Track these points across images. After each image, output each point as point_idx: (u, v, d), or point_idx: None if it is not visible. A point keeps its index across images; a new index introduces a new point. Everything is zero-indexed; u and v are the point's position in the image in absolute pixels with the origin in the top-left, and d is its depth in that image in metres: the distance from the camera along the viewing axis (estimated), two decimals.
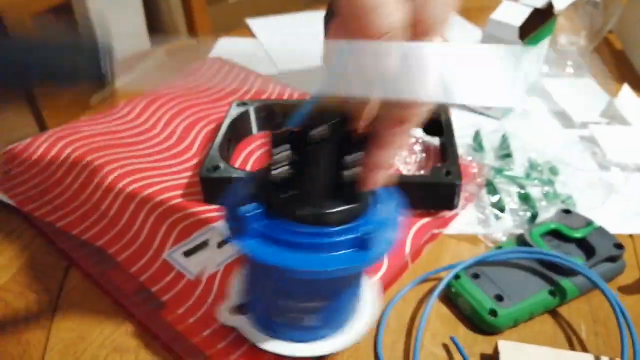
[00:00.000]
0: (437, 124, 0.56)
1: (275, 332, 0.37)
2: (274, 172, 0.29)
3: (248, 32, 0.88)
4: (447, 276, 0.42)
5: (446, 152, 0.50)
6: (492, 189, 0.52)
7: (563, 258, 0.41)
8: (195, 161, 0.56)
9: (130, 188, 0.51)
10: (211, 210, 0.49)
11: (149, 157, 0.56)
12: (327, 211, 0.30)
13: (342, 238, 0.30)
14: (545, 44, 0.68)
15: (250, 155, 0.57)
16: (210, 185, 0.49)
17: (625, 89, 0.68)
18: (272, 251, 0.30)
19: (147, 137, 0.60)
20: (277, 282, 0.34)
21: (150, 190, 0.51)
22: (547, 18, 0.64)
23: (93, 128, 0.60)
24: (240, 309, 0.38)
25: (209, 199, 0.50)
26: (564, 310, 0.42)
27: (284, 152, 0.29)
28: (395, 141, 0.29)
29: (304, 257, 0.30)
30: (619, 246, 0.44)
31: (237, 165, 0.55)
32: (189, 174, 0.54)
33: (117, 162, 0.55)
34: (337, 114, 0.28)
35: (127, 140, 0.59)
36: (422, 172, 0.54)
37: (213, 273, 0.43)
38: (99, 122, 0.62)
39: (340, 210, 0.30)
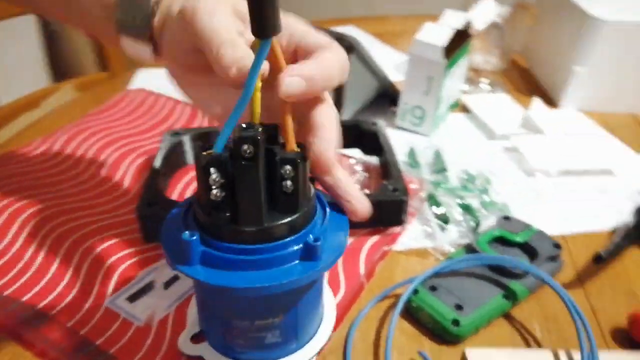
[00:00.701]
0: (375, 143, 0.57)
1: (238, 354, 0.35)
2: (208, 196, 0.28)
3: None
4: (406, 292, 0.42)
5: (389, 169, 0.51)
6: (434, 202, 0.53)
7: (513, 261, 0.43)
8: (128, 197, 0.52)
9: (57, 232, 0.46)
10: (152, 249, 0.46)
11: (75, 196, 0.52)
12: (268, 225, 0.29)
13: (287, 250, 0.29)
14: (465, 63, 0.72)
15: (188, 187, 0.54)
16: (149, 222, 0.46)
17: (536, 101, 0.74)
18: (218, 273, 0.29)
19: (71, 175, 0.55)
20: (230, 303, 0.32)
21: (80, 233, 0.47)
22: (465, 39, 0.68)
23: (5, 169, 0.55)
24: (200, 336, 0.36)
25: (148, 237, 0.46)
26: (516, 312, 0.43)
27: (213, 175, 0.28)
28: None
29: (251, 275, 0.29)
30: (558, 246, 0.47)
31: (174, 197, 0.52)
32: (123, 211, 0.50)
33: (38, 204, 0.50)
34: (260, 131, 0.28)
35: (49, 180, 0.54)
36: (366, 191, 0.54)
37: (163, 317, 0.39)
38: (12, 163, 0.56)
39: (282, 223, 0.29)
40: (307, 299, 0.34)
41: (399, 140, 0.65)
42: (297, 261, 0.30)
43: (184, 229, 0.29)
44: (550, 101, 0.79)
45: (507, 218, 0.50)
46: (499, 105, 0.76)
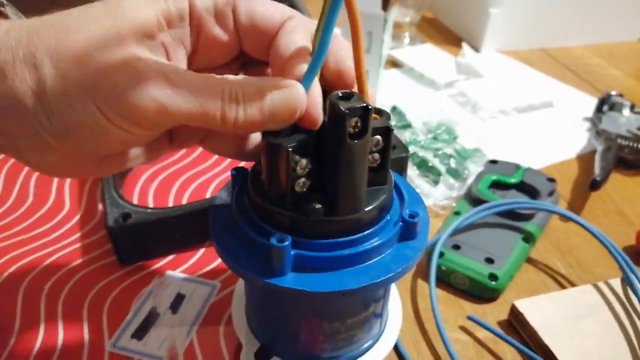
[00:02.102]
0: None
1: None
2: (292, 188, 0.23)
3: None
4: (433, 257, 0.39)
5: None
6: (418, 159, 0.51)
7: (529, 203, 0.42)
8: (77, 217, 0.43)
9: (5, 277, 0.36)
10: (134, 272, 0.38)
11: (6, 230, 0.41)
12: (367, 210, 0.24)
13: (388, 234, 0.25)
14: (392, 17, 0.69)
15: (147, 191, 0.46)
16: (124, 239, 0.37)
17: (466, 47, 0.75)
18: (317, 278, 0.24)
19: None
20: (322, 308, 0.27)
21: (34, 273, 0.37)
22: None
23: None
24: (264, 351, 0.30)
25: (125, 258, 0.38)
26: (534, 254, 0.43)
27: (302, 162, 0.23)
28: None
29: (356, 271, 0.24)
30: (551, 180, 0.47)
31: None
32: (77, 235, 0.41)
33: None
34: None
35: None
36: None
37: (187, 348, 0.32)
38: None
39: (378, 205, 0.25)
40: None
41: None
42: (395, 244, 0.25)
43: (253, 232, 0.24)
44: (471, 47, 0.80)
45: (494, 162, 0.50)
46: (428, 56, 0.75)
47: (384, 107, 0.59)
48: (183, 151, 0.51)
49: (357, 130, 0.22)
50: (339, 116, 0.21)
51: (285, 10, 0.25)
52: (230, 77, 0.22)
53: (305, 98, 0.22)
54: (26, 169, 0.47)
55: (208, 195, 0.46)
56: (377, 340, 0.31)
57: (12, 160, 0.48)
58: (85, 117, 0.20)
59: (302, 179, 0.23)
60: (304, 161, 0.23)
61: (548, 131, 0.60)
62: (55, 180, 0.46)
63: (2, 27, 0.21)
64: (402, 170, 0.45)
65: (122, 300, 0.35)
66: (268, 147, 0.23)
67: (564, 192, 0.50)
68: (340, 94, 0.22)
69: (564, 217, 0.42)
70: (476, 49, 0.79)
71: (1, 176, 0.46)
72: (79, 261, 0.38)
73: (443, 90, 0.68)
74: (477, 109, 0.63)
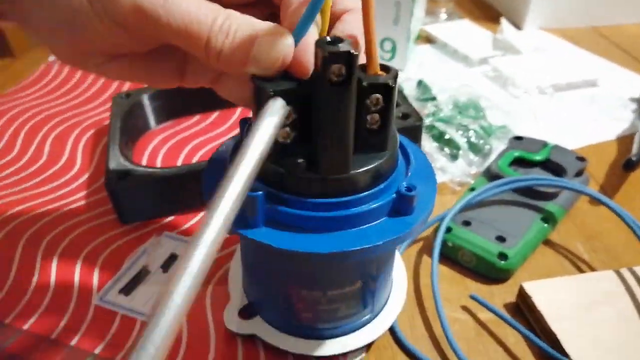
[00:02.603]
0: None
1: (303, 330, 0.29)
2: (278, 139, 0.22)
3: None
4: (439, 232, 0.37)
5: None
6: (437, 132, 0.48)
7: (551, 180, 0.39)
8: (85, 177, 0.43)
9: (5, 230, 0.37)
10: (133, 230, 0.38)
11: (17, 185, 0.42)
12: (354, 172, 0.23)
13: (377, 203, 0.23)
14: None
15: (156, 155, 0.46)
16: (123, 197, 0.37)
17: (505, 23, 0.70)
18: (290, 236, 0.23)
19: (5, 161, 0.45)
20: (300, 272, 0.26)
21: (36, 227, 0.38)
22: None
23: None
24: (249, 309, 0.29)
25: (125, 217, 0.38)
26: (554, 237, 0.40)
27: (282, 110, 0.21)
28: None
29: (333, 236, 0.23)
30: (582, 159, 0.43)
31: None
32: (82, 194, 0.41)
33: None
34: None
35: None
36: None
37: None
38: None
39: (369, 169, 0.23)
40: (388, 260, 0.28)
41: None
42: (384, 217, 0.24)
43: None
44: (511, 24, 0.75)
45: (519, 138, 0.47)
46: (464, 32, 0.72)
47: (411, 81, 0.57)
48: (197, 117, 0.51)
49: (340, 77, 0.20)
50: (321, 60, 0.20)
51: None
52: (234, 12, 0.21)
53: (291, 48, 0.21)
54: (43, 131, 0.48)
55: None
56: (368, 322, 0.29)
57: (32, 122, 0.49)
58: (78, 5, 0.21)
59: (286, 129, 0.22)
60: (284, 110, 0.21)
61: (587, 111, 0.56)
62: (70, 141, 0.47)
63: None
64: (416, 140, 0.43)
65: (116, 257, 0.35)
66: (253, 90, 0.22)
67: (597, 174, 0.46)
68: (329, 39, 0.20)
69: (592, 198, 0.38)
70: (518, 25, 0.75)
71: (21, 136, 0.48)
72: (81, 217, 0.39)
73: (477, 67, 0.64)
74: (510, 86, 0.59)
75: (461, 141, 0.47)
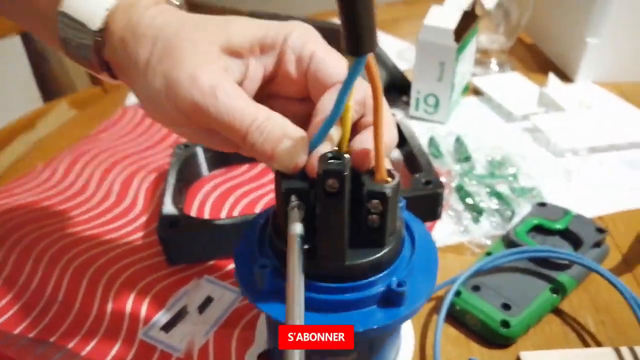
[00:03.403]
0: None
1: None
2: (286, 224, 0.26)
3: None
4: (448, 295, 0.40)
5: (416, 161, 0.49)
6: (464, 193, 0.51)
7: (559, 253, 0.41)
8: (144, 218, 0.50)
9: (75, 265, 0.44)
10: (179, 271, 0.44)
11: (87, 223, 0.50)
12: (349, 264, 0.26)
13: (367, 293, 0.27)
14: (473, 45, 0.69)
15: (206, 201, 0.52)
16: (172, 243, 0.43)
17: (552, 77, 0.71)
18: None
19: (80, 201, 0.53)
20: None
21: (99, 263, 0.44)
22: (473, 19, 0.65)
23: (7, 202, 0.52)
24: (266, 355, 0.34)
25: (173, 259, 0.44)
26: (565, 306, 0.41)
27: (293, 203, 0.26)
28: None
29: (326, 316, 0.27)
30: (601, 230, 0.44)
31: (192, 213, 0.50)
32: (140, 234, 0.48)
33: (49, 236, 0.47)
34: (348, 163, 0.24)
35: (56, 209, 0.51)
36: None
37: (203, 345, 0.37)
38: (14, 194, 0.54)
39: (365, 262, 0.27)
40: (384, 337, 0.31)
41: (415, 131, 0.63)
42: (374, 305, 0.27)
43: (258, 254, 0.28)
44: (563, 76, 0.76)
45: (542, 204, 0.48)
46: (512, 85, 0.73)
47: (450, 135, 0.60)
48: (245, 166, 0.56)
49: (334, 189, 0.24)
50: (318, 174, 0.24)
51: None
52: (274, 115, 0.27)
53: (304, 156, 0.26)
54: (114, 172, 0.56)
55: (257, 211, 0.51)
56: None
57: (106, 164, 0.57)
58: (157, 91, 0.28)
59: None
60: (295, 203, 0.25)
61: (625, 175, 0.56)
62: (134, 186, 0.54)
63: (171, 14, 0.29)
64: (435, 206, 0.46)
65: (162, 296, 0.41)
66: (275, 182, 0.27)
67: (623, 243, 0.47)
68: (331, 154, 0.25)
69: (593, 272, 0.40)
70: (570, 78, 0.75)
71: (95, 177, 0.56)
72: (137, 256, 0.45)
73: (517, 122, 0.66)
74: (548, 145, 0.60)
75: (487, 204, 0.50)
